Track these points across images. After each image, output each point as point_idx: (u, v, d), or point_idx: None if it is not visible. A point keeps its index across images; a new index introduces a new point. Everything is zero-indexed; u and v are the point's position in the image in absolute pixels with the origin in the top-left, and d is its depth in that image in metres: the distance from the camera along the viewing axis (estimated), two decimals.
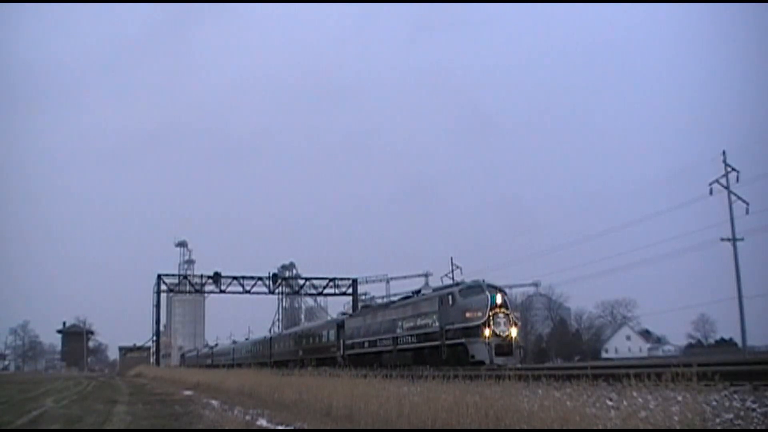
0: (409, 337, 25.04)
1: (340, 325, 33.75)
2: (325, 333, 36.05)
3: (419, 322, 24.47)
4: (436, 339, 22.79)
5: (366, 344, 29.18)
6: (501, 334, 20.87)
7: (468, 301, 21.97)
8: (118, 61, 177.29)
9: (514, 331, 21.23)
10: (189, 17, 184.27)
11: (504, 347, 20.78)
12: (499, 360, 20.32)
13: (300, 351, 39.57)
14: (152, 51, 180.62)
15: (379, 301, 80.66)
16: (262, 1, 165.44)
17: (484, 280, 23.37)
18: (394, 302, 28.96)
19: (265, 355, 47.20)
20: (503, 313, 21.24)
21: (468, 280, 31.38)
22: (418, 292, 27.76)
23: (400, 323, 25.99)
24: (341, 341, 32.51)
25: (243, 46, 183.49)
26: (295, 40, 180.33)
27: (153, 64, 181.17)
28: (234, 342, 67.15)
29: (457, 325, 21.73)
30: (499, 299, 21.38)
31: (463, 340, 21.25)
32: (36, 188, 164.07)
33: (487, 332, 20.66)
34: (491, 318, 20.91)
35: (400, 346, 25.68)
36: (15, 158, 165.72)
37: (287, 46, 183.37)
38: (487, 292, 21.88)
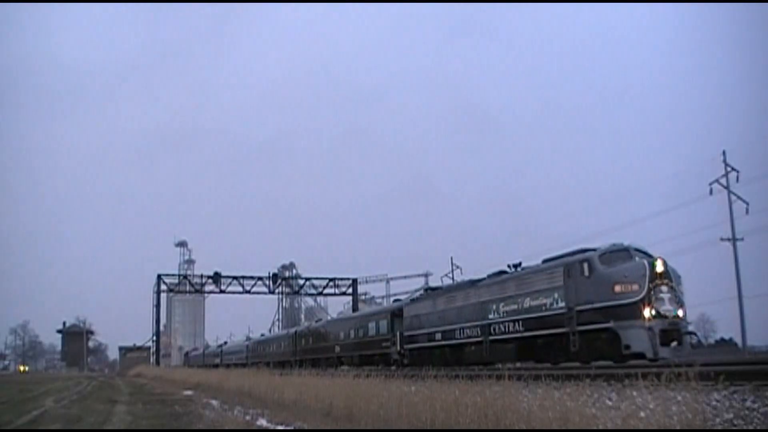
0: (511, 324, 19.28)
1: (395, 314, 28.26)
2: (372, 324, 30.81)
3: (529, 303, 18.66)
4: (560, 324, 17.16)
5: (438, 336, 23.46)
6: (666, 314, 15.37)
7: (615, 269, 16.27)
8: (124, 66, 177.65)
9: (681, 312, 15.83)
10: (213, 25, 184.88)
11: (672, 333, 15.45)
12: (665, 351, 15.04)
13: (337, 347, 34.75)
14: (168, 58, 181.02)
15: (380, 300, 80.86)
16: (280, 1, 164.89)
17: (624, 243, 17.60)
18: (480, 279, 22.43)
19: (289, 353, 42.37)
20: (667, 285, 15.63)
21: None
22: (517, 265, 21.13)
23: (494, 306, 20.23)
24: (397, 333, 27.19)
25: (248, 56, 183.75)
26: (299, 46, 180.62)
27: (166, 70, 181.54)
28: (248, 339, 62.96)
29: (598, 304, 16.03)
30: (660, 266, 15.75)
31: (610, 324, 15.65)
32: (36, 188, 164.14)
33: (646, 312, 15.18)
34: (652, 292, 15.38)
35: (494, 337, 20.05)
36: (15, 158, 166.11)
37: (290, 53, 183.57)
38: (638, 258, 16.60)
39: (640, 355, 15.18)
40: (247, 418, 11.06)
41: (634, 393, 6.62)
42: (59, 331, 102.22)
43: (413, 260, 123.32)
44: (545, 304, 17.95)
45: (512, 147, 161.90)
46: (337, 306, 77.91)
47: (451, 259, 56.93)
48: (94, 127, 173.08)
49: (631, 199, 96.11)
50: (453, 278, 52.03)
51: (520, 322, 18.89)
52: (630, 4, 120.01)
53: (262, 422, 10.31)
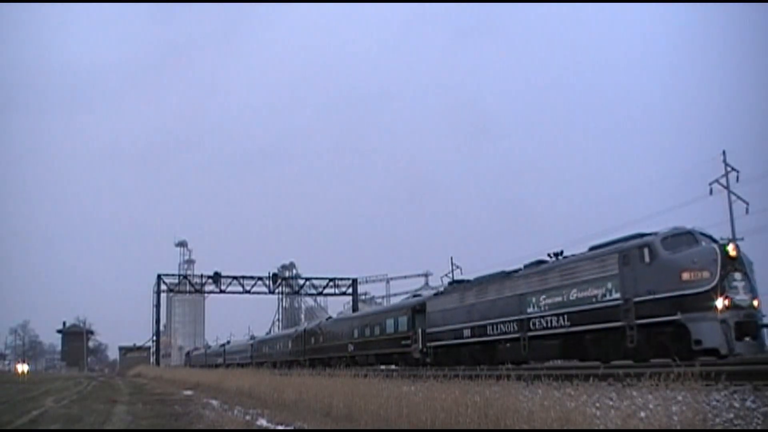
0: (554, 318, 17.72)
1: (416, 310, 26.69)
2: (390, 321, 29.17)
3: (576, 294, 16.99)
4: (615, 318, 15.56)
5: (466, 332, 21.76)
6: (741, 304, 13.76)
7: (681, 255, 14.63)
8: (128, 69, 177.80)
9: (756, 302, 14.32)
10: (218, 28, 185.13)
11: (747, 326, 13.71)
12: (741, 346, 13.42)
13: (350, 346, 33.02)
14: (172, 60, 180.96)
15: (380, 300, 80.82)
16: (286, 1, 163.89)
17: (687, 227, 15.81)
18: (516, 270, 20.58)
19: (298, 352, 40.73)
20: (741, 272, 14.15)
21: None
22: (558, 254, 19.31)
23: (533, 299, 18.61)
24: (419, 330, 25.65)
25: (253, 58, 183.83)
26: (303, 49, 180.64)
27: (170, 72, 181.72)
28: (252, 337, 62.26)
29: (662, 294, 14.39)
30: (732, 250, 14.25)
31: (677, 317, 13.95)
32: (36, 188, 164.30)
33: (719, 303, 13.52)
34: (725, 280, 13.76)
35: (534, 332, 18.47)
36: (15, 158, 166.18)
37: (294, 56, 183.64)
38: (704, 242, 15.15)
39: (713, 352, 13.48)
40: (247, 418, 11.05)
41: (634, 393, 6.62)
42: (59, 331, 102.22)
43: (413, 260, 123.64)
44: (596, 296, 16.33)
45: (513, 147, 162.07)
46: (337, 306, 77.95)
47: (451, 259, 56.96)
48: (96, 128, 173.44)
49: (631, 199, 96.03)
50: (453, 278, 51.96)
51: (566, 316, 17.28)
52: (631, 4, 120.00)
53: (262, 422, 10.30)
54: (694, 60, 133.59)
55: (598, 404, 6.32)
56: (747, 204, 34.60)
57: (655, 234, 15.69)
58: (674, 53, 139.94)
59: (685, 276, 14.13)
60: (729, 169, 35.04)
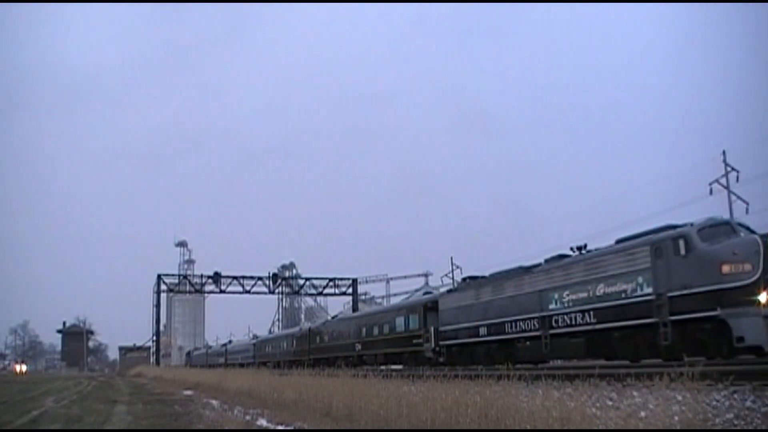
0: (579, 315, 16.79)
1: (429, 307, 25.95)
2: (401, 319, 28.30)
3: (603, 289, 16.14)
4: (646, 314, 14.70)
5: (482, 330, 20.93)
6: None
7: (721, 246, 13.81)
8: (131, 70, 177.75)
9: None
10: (221, 28, 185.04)
11: None
12: None
13: (357, 345, 32.11)
14: (175, 60, 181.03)
15: (380, 300, 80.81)
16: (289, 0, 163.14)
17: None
18: (537, 265, 19.70)
19: (302, 352, 39.84)
20: None
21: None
22: (582, 248, 18.38)
23: (555, 295, 17.79)
24: (431, 329, 24.86)
25: (255, 58, 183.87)
26: (305, 49, 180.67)
27: (172, 73, 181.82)
28: (255, 337, 61.94)
29: (699, 288, 13.57)
30: None
31: (717, 312, 13.11)
32: (36, 188, 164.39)
33: (762, 297, 12.78)
34: (767, 273, 12.90)
35: (557, 330, 17.61)
36: (15, 158, 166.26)
37: (296, 56, 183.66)
38: (743, 233, 14.44)
39: (756, 349, 12.84)
40: (247, 418, 11.06)
41: (635, 393, 6.62)
42: (59, 331, 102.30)
43: (413, 260, 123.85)
44: (625, 291, 15.46)
45: (513, 147, 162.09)
46: (337, 306, 77.97)
47: (451, 259, 56.98)
48: (97, 129, 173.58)
49: (631, 199, 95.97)
50: (453, 278, 51.98)
51: (591, 313, 16.38)
52: (631, 5, 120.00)
53: (262, 422, 10.31)
54: (694, 60, 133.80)
55: (598, 404, 6.32)
56: (747, 204, 34.62)
57: (691, 225, 14.83)
58: (674, 54, 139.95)
59: (726, 269, 13.29)
60: (729, 169, 35.07)
